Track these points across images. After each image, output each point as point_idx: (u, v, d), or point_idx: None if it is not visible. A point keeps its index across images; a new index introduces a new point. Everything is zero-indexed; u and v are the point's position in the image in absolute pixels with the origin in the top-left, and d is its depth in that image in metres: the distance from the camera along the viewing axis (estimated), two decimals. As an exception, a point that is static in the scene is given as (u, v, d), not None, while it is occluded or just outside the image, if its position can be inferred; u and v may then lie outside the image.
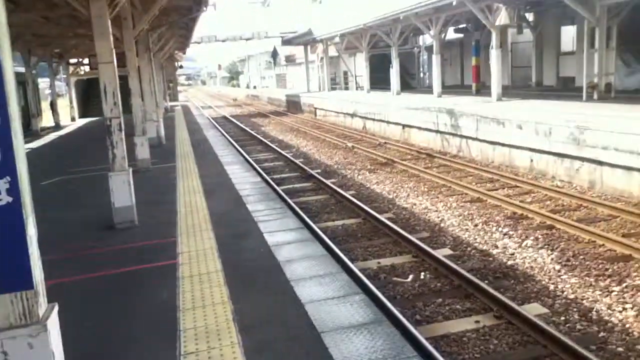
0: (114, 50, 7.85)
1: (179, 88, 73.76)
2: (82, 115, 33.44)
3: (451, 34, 27.94)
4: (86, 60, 30.76)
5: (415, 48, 34.79)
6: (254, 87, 77.99)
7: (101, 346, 4.40)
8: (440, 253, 7.59)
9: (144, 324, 4.73)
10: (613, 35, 15.69)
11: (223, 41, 45.83)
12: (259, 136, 23.46)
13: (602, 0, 14.73)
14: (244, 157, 15.53)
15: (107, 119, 7.77)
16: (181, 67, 61.98)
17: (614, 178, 10.43)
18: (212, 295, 5.13)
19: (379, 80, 31.08)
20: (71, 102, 32.17)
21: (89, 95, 34.38)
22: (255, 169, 13.82)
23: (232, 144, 18.64)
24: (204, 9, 17.82)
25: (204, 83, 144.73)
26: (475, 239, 8.47)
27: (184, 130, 21.13)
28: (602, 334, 5.39)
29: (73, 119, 31.37)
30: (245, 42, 62.23)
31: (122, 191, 7.71)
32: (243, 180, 10.76)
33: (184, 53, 44.54)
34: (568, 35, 21.82)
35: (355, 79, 37.49)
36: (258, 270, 5.78)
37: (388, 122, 21.36)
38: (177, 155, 14.36)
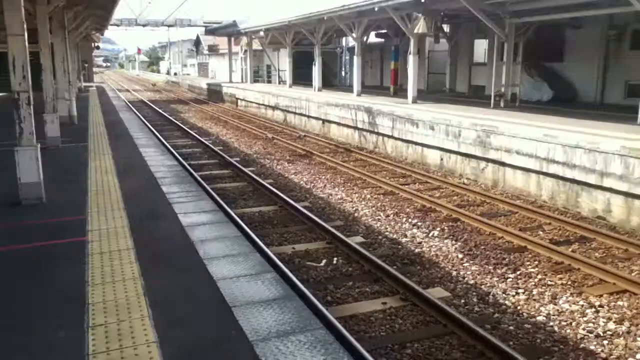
0: (24, 23, 7.48)
1: (95, 70, 70.52)
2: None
3: (373, 38, 28.65)
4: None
5: (338, 48, 35.36)
6: (175, 74, 75.96)
7: (5, 320, 4.22)
8: (353, 240, 7.85)
9: (51, 299, 4.58)
10: (520, 51, 16.83)
11: (144, 26, 44.22)
12: (177, 122, 22.98)
13: (511, 19, 15.76)
14: (160, 141, 15.17)
15: (15, 93, 7.39)
16: (98, 47, 59.27)
17: (514, 178, 11.21)
18: (123, 272, 5.04)
19: (301, 76, 31.33)
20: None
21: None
22: (172, 153, 13.56)
23: (148, 127, 18.13)
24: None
25: (121, 66, 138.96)
26: (387, 228, 8.83)
27: (98, 112, 20.30)
28: (496, 315, 5.83)
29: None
30: (167, 29, 60.54)
31: (29, 167, 7.36)
32: (158, 163, 10.54)
33: (102, 34, 42.65)
34: (480, 47, 23.10)
35: (279, 73, 37.53)
36: (171, 249, 5.73)
37: (309, 117, 21.62)
38: (90, 135, 13.81)
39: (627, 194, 8.78)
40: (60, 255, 5.53)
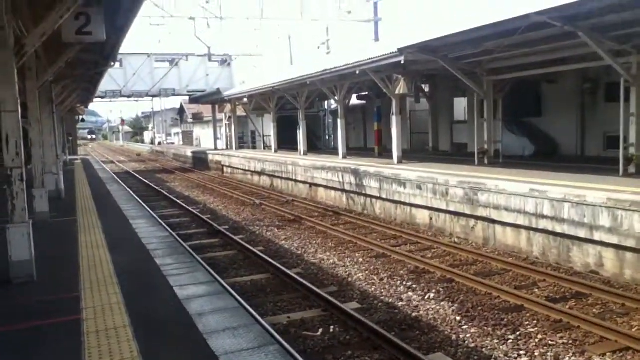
0: (18, 99, 7.59)
1: (79, 142, 70.81)
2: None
3: (354, 100, 29.36)
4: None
5: (321, 112, 36.09)
6: (159, 144, 76.50)
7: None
8: (349, 307, 7.77)
9: (45, 382, 4.44)
10: (499, 107, 17.32)
11: (128, 97, 44.87)
12: (164, 192, 22.95)
13: (488, 77, 16.34)
14: (149, 212, 15.10)
15: (9, 169, 7.40)
16: (83, 120, 59.79)
17: (505, 235, 11.29)
18: (121, 351, 4.92)
19: (286, 141, 31.76)
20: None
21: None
22: (161, 224, 13.47)
23: (136, 199, 18.08)
24: (111, 64, 17.62)
25: (105, 138, 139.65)
26: (382, 292, 8.77)
27: (85, 185, 20.24)
28: (500, 379, 5.75)
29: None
30: (151, 99, 61.49)
31: (21, 244, 7.26)
32: (149, 235, 10.46)
33: (87, 107, 43.12)
34: (460, 105, 23.74)
35: (263, 139, 38.02)
36: (169, 324, 5.62)
37: (296, 181, 21.77)
38: (78, 209, 13.72)
39: (617, 247, 8.86)
40: (54, 336, 5.39)
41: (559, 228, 9.90)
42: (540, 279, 9.05)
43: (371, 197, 16.26)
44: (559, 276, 9.03)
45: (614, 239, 8.87)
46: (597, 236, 9.16)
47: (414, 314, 7.73)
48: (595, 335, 6.68)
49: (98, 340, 5.18)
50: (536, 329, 7.01)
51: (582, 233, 9.43)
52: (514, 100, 18.69)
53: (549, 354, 6.28)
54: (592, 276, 9.14)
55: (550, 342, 6.58)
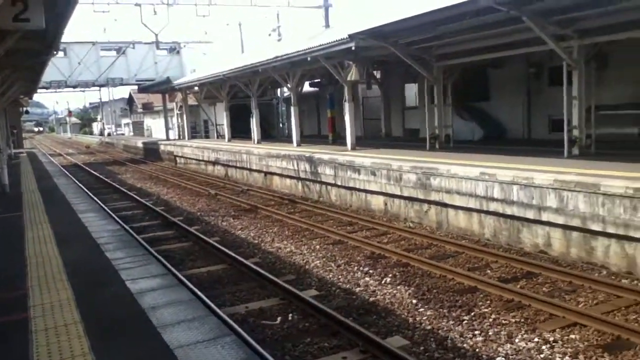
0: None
1: (25, 135, 68.19)
2: None
3: (307, 87, 29.28)
4: None
5: (274, 99, 35.85)
6: (108, 135, 74.43)
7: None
8: (307, 294, 7.78)
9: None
10: (448, 92, 17.60)
11: (74, 87, 43.30)
12: (115, 184, 22.36)
13: (438, 62, 16.56)
14: (99, 205, 14.71)
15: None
16: (27, 112, 57.47)
17: (457, 218, 11.52)
18: (72, 348, 4.76)
19: (239, 129, 31.44)
20: None
21: None
22: (112, 217, 13.14)
23: (86, 192, 17.56)
24: (54, 52, 16.92)
25: (52, 130, 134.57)
26: (339, 278, 8.82)
27: (32, 179, 19.49)
28: (456, 359, 5.87)
29: None
30: (98, 89, 59.59)
31: (-41, 242, 6.94)
32: (100, 228, 10.15)
33: (31, 98, 41.42)
34: (411, 91, 24.02)
35: (216, 128, 37.52)
36: (121, 319, 5.47)
37: (250, 170, 21.60)
38: (24, 203, 13.19)
39: (564, 227, 9.17)
40: (0, 336, 5.18)
41: (508, 210, 10.16)
42: (492, 260, 9.29)
43: (326, 184, 16.30)
44: (510, 257, 9.29)
45: (560, 219, 9.16)
46: (544, 217, 9.45)
47: (371, 299, 7.80)
48: (545, 312, 6.90)
49: (47, 338, 5.00)
50: (490, 309, 7.19)
51: (530, 214, 9.71)
52: (463, 85, 19.04)
53: (502, 332, 6.45)
54: (541, 256, 9.44)
55: (503, 322, 6.76)
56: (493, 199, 10.46)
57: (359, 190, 14.71)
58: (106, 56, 40.14)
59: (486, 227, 10.86)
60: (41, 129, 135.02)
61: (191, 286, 7.91)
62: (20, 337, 5.06)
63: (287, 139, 25.82)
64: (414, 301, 7.62)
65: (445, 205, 11.76)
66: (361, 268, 9.29)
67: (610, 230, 8.34)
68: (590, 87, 13.14)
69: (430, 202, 12.19)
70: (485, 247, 10.16)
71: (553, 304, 7.02)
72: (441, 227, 11.92)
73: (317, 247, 10.87)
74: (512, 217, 10.18)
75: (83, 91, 57.50)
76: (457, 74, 17.64)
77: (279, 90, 34.71)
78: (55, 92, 48.00)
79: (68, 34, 13.92)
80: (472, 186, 10.89)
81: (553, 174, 9.61)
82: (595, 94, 13.55)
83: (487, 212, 10.71)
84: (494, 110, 19.88)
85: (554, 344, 6.08)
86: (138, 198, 17.83)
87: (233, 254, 9.88)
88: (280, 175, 19.17)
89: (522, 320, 6.77)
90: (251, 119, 26.20)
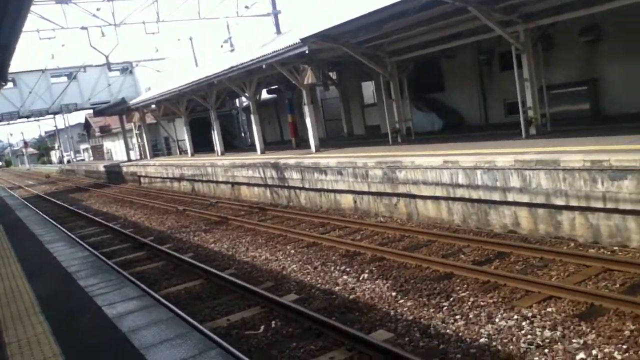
0: None
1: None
2: None
3: (266, 94, 29.25)
4: None
5: (234, 110, 35.70)
6: (68, 162, 72.80)
7: None
8: (287, 299, 7.79)
9: None
10: (404, 86, 17.84)
11: (27, 117, 42.21)
12: (80, 211, 21.87)
13: (391, 58, 16.80)
14: (66, 234, 14.36)
15: None
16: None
17: (426, 208, 11.70)
18: (54, 382, 4.68)
19: (201, 143, 31.15)
20: None
21: None
22: (81, 244, 12.87)
23: (51, 222, 17.15)
24: (3, 84, 16.50)
25: (9, 163, 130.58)
26: (317, 280, 8.85)
27: (-10, 215, 18.93)
28: (442, 346, 5.95)
29: None
30: (53, 116, 58.27)
31: None
32: (69, 257, 9.92)
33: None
34: (368, 89, 24.27)
35: (178, 144, 37.13)
36: (102, 347, 5.37)
37: (217, 182, 21.46)
38: (-14, 242, 12.82)
39: (529, 205, 9.42)
40: (-22, 381, 5.04)
41: (475, 195, 10.37)
42: (464, 245, 9.46)
43: (294, 188, 16.32)
44: (481, 240, 9.48)
45: (525, 198, 9.40)
46: (510, 197, 9.68)
47: (351, 297, 7.86)
48: (521, 290, 7.08)
49: (28, 375, 4.89)
50: (467, 292, 7.33)
51: (496, 196, 9.94)
52: (418, 78, 19.34)
53: (482, 314, 6.58)
54: (510, 235, 9.67)
55: (482, 303, 6.90)
56: (459, 186, 10.66)
57: (328, 190, 14.79)
58: (57, 82, 39.30)
59: (455, 214, 11.06)
60: (1, 164, 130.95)
61: (169, 305, 7.82)
62: (-1, 376, 4.94)
63: (251, 148, 25.74)
64: (394, 294, 7.70)
65: (413, 196, 11.92)
66: (338, 267, 9.34)
67: (573, 203, 8.61)
68: (539, 69, 13.53)
69: (398, 195, 12.34)
70: (456, 232, 10.35)
71: (527, 281, 7.20)
72: (412, 219, 12.08)
73: (292, 251, 10.88)
74: (479, 201, 10.39)
75: (37, 120, 56.16)
76: (411, 68, 17.91)
77: (237, 100, 34.58)
78: (8, 124, 46.75)
79: (16, 64, 13.60)
80: (437, 175, 11.08)
81: (513, 155, 9.85)
82: (545, 75, 13.96)
83: (455, 199, 10.92)
84: (450, 100, 20.23)
85: (532, 319, 6.23)
86: (105, 222, 17.50)
87: (208, 268, 9.81)
88: (248, 184, 19.10)
89: (500, 300, 6.92)
90: (212, 132, 26.04)
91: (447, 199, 11.11)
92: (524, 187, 9.38)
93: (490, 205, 10.24)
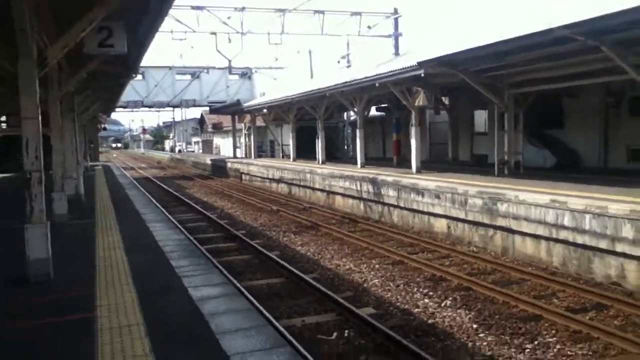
0: (39, 107, 7.69)
1: (101, 149, 72.03)
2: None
3: (374, 111, 29.30)
4: (3, 118, 29.93)
5: (340, 122, 36.13)
6: (179, 151, 77.31)
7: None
8: (364, 312, 7.69)
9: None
10: (520, 119, 17.12)
11: (150, 107, 45.39)
12: (182, 197, 23.09)
13: (509, 90, 16.18)
14: (167, 216, 15.21)
15: (28, 172, 7.49)
16: (105, 129, 60.72)
17: (524, 245, 11.11)
18: (133, 348, 4.91)
19: (305, 150, 31.78)
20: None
21: (4, 153, 32.82)
22: (178, 227, 13.55)
23: (155, 203, 18.22)
24: (133, 75, 17.84)
25: (127, 146, 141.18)
26: (397, 298, 8.67)
27: (105, 189, 20.47)
28: (517, 387, 5.61)
29: (-16, 174, 29.62)
30: (172, 109, 62.19)
31: (38, 244, 7.32)
32: (166, 237, 10.49)
33: (109, 116, 43.65)
34: (480, 118, 23.55)
35: (282, 148, 38.16)
36: (182, 323, 5.60)
37: (313, 189, 21.76)
38: (97, 212, 13.84)
39: (640, 259, 8.66)
40: (69, 332, 5.41)
41: (579, 239, 9.70)
42: (559, 289, 8.87)
43: (389, 205, 16.17)
44: (579, 287, 8.84)
45: (637, 251, 8.66)
46: (619, 248, 8.95)
47: (429, 321, 7.62)
48: (616, 347, 6.50)
49: (111, 337, 5.18)
50: (555, 338, 6.85)
51: (603, 244, 9.23)
52: (536, 112, 18.48)
53: (568, 364, 6.13)
54: (614, 288, 8.93)
55: (569, 353, 6.42)
56: (563, 227, 10.03)
57: (422, 212, 14.49)
58: (181, 80, 42.05)
59: (554, 256, 10.40)
60: (119, 144, 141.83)
61: (249, 296, 7.99)
62: (87, 334, 5.28)
63: (351, 161, 25.85)
64: (475, 326, 7.37)
65: (512, 231, 11.38)
66: (421, 289, 9.10)
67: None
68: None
69: (496, 228, 11.83)
70: (553, 275, 9.71)
71: (625, 339, 6.59)
72: (506, 253, 11.52)
73: (377, 266, 10.75)
74: (583, 247, 9.70)
75: (158, 111, 60.24)
76: (530, 101, 17.17)
77: (345, 113, 34.96)
78: (132, 111, 50.48)
79: (146, 59, 14.67)
80: (541, 213, 10.50)
81: (630, 204, 9.12)
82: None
83: (556, 240, 10.27)
84: (568, 138, 19.16)
85: (625, 379, 5.71)
86: (203, 211, 18.32)
87: (292, 268, 9.94)
88: (343, 194, 19.19)
89: (590, 353, 6.40)
90: (317, 140, 26.49)
91: (548, 239, 10.48)
92: (637, 240, 8.63)
93: (595, 253, 9.53)
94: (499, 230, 11.75)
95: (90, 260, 8.40)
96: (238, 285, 8.64)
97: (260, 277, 9.89)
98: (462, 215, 12.78)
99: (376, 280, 9.72)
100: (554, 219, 10.24)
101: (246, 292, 8.21)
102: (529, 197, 11.01)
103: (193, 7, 25.52)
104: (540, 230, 10.56)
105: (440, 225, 13.78)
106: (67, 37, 7.94)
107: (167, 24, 24.35)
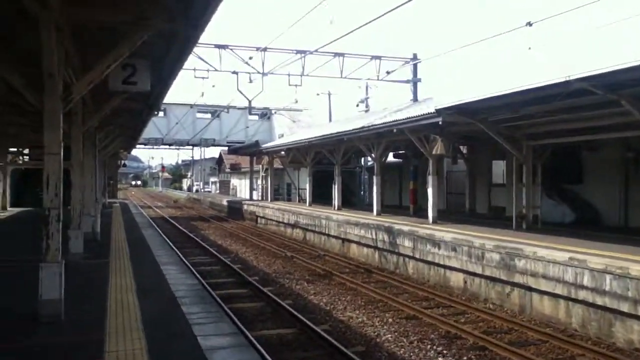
0: (62, 143, 7.80)
1: (120, 186, 72.85)
2: (14, 204, 32.07)
3: (391, 158, 29.36)
4: (26, 150, 30.50)
5: (357, 168, 36.22)
6: (196, 191, 77.93)
7: None
8: (376, 369, 7.50)
9: None
10: (538, 172, 17.00)
11: (170, 145, 46.06)
12: (197, 239, 23.11)
13: (528, 141, 16.14)
14: (181, 258, 15.18)
15: (46, 209, 7.54)
16: (124, 165, 61.58)
17: (542, 304, 10.83)
18: (139, 399, 4.82)
19: (321, 195, 31.82)
20: (4, 191, 30.89)
21: (24, 185, 33.32)
22: (192, 271, 13.49)
23: (169, 245, 18.24)
24: (155, 113, 18.19)
25: (145, 184, 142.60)
26: (410, 355, 8.45)
27: (121, 228, 20.57)
28: None
29: (4, 208, 29.99)
30: (191, 148, 63.05)
31: (51, 283, 7.31)
32: (179, 282, 10.43)
33: (129, 152, 44.30)
34: (499, 168, 23.43)
35: (298, 192, 38.25)
36: (190, 375, 5.51)
37: (328, 235, 21.64)
38: (112, 251, 13.87)
39: (663, 324, 8.38)
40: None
41: (599, 300, 9.44)
42: (578, 352, 8.58)
43: (404, 256, 15.97)
44: (599, 351, 8.54)
45: (660, 316, 8.39)
46: (642, 311, 8.69)
47: (443, 382, 7.39)
48: (640, 418, 6.22)
49: (118, 386, 5.09)
50: (574, 407, 6.58)
51: (625, 307, 8.96)
52: (554, 165, 18.37)
53: None
54: (636, 354, 8.61)
55: (589, 423, 6.15)
56: (582, 287, 9.78)
57: (438, 265, 14.27)
58: (202, 118, 42.79)
59: (574, 317, 10.11)
60: (139, 182, 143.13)
61: (260, 348, 7.85)
62: (94, 381, 5.19)
63: (368, 208, 25.78)
64: (491, 389, 7.12)
65: (529, 288, 11.12)
66: (435, 347, 8.86)
67: None
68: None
69: (513, 284, 11.58)
70: (572, 337, 9.41)
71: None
72: (524, 312, 11.23)
73: (390, 320, 10.53)
74: (604, 308, 9.43)
75: (177, 149, 61.00)
76: (548, 154, 17.09)
77: (362, 159, 35.09)
78: (152, 148, 51.21)
79: (168, 96, 14.97)
80: (560, 271, 10.27)
81: (652, 266, 8.90)
82: None
83: (576, 301, 10.00)
84: (587, 194, 18.92)
85: None
86: (217, 254, 18.27)
87: (304, 319, 9.78)
88: (358, 243, 19.03)
89: None
90: (333, 185, 26.51)
91: (567, 298, 10.21)
92: (660, 303, 8.37)
93: (616, 316, 9.24)
94: (516, 288, 11.49)
95: (101, 303, 8.35)
96: (249, 335, 8.50)
97: (271, 327, 9.74)
98: (479, 270, 12.56)
99: (389, 335, 9.50)
100: (573, 278, 10.00)
101: (257, 343, 8.07)
102: (547, 253, 10.81)
103: (216, 46, 26.13)
104: (559, 289, 10.30)
105: (456, 279, 13.54)
106: (93, 74, 8.11)
107: (190, 61, 24.88)
